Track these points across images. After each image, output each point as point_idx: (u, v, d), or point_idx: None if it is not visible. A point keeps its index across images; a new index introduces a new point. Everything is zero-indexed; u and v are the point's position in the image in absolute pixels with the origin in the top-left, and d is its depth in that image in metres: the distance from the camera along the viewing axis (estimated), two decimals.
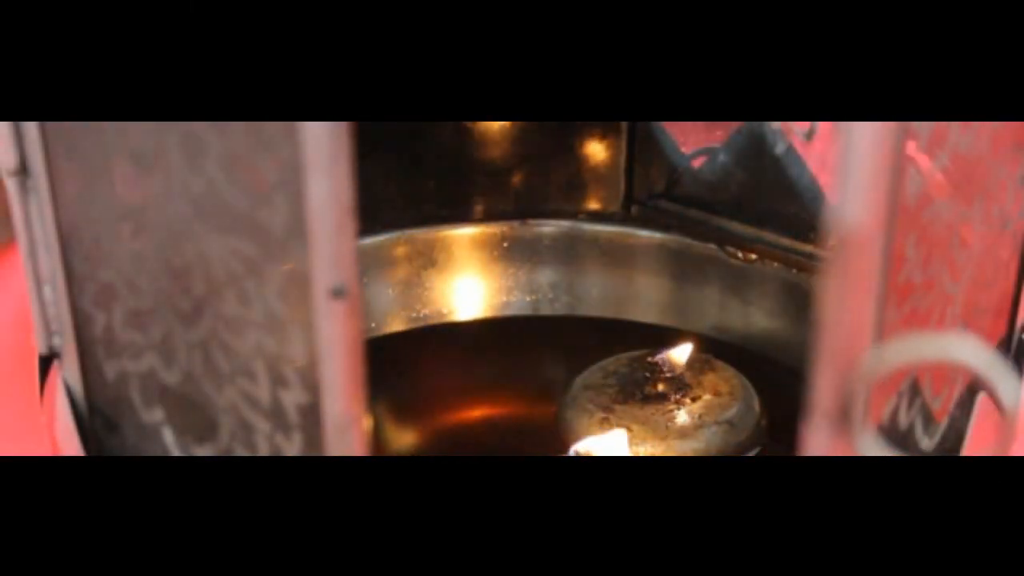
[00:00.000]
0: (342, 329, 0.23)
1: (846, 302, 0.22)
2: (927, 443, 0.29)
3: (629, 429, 0.39)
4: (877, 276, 0.22)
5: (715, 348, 0.44)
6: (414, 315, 0.49)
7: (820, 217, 0.45)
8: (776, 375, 0.45)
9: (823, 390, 0.22)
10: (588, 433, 0.39)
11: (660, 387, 0.41)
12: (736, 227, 0.48)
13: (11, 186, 0.29)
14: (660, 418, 0.39)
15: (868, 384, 0.22)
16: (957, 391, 0.30)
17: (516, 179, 0.50)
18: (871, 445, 0.23)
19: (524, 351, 0.48)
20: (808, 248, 0.46)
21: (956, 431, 0.30)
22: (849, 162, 0.21)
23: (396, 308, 0.49)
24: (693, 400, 0.40)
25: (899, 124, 0.22)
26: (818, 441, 0.23)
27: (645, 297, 0.50)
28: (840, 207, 0.21)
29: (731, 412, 0.40)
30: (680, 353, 0.41)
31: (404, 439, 0.42)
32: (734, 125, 0.47)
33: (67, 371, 0.30)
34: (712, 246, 0.48)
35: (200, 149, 0.24)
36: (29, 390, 0.32)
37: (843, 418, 0.22)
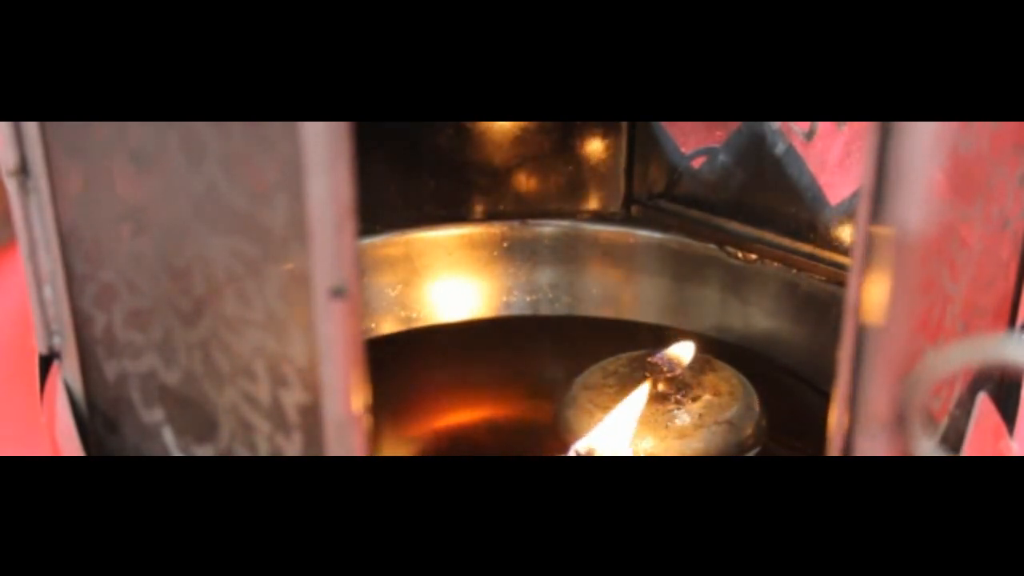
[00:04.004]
0: (342, 329, 0.23)
1: (903, 307, 0.21)
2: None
3: None
4: (938, 280, 0.22)
5: (715, 348, 0.44)
6: (414, 315, 0.49)
7: (820, 217, 0.45)
8: (776, 375, 0.45)
9: (878, 397, 0.22)
10: (588, 433, 0.39)
11: (660, 387, 0.41)
12: (736, 227, 0.48)
13: (11, 186, 0.29)
14: (660, 418, 0.39)
15: (925, 389, 0.22)
16: (957, 391, 0.30)
17: (516, 179, 0.50)
18: (929, 451, 0.23)
19: (524, 351, 0.48)
20: (808, 248, 0.46)
21: (956, 431, 0.30)
22: (906, 164, 0.20)
23: (396, 308, 0.49)
24: (693, 400, 0.40)
25: (958, 124, 0.21)
26: (874, 448, 0.22)
27: (645, 297, 0.50)
28: (895, 211, 0.21)
29: (731, 412, 0.40)
30: (682, 351, 0.41)
31: (404, 439, 0.42)
32: (734, 125, 0.47)
33: (67, 371, 0.30)
34: (712, 246, 0.48)
35: (200, 149, 0.24)
36: (29, 390, 0.32)
37: (900, 425, 0.22)
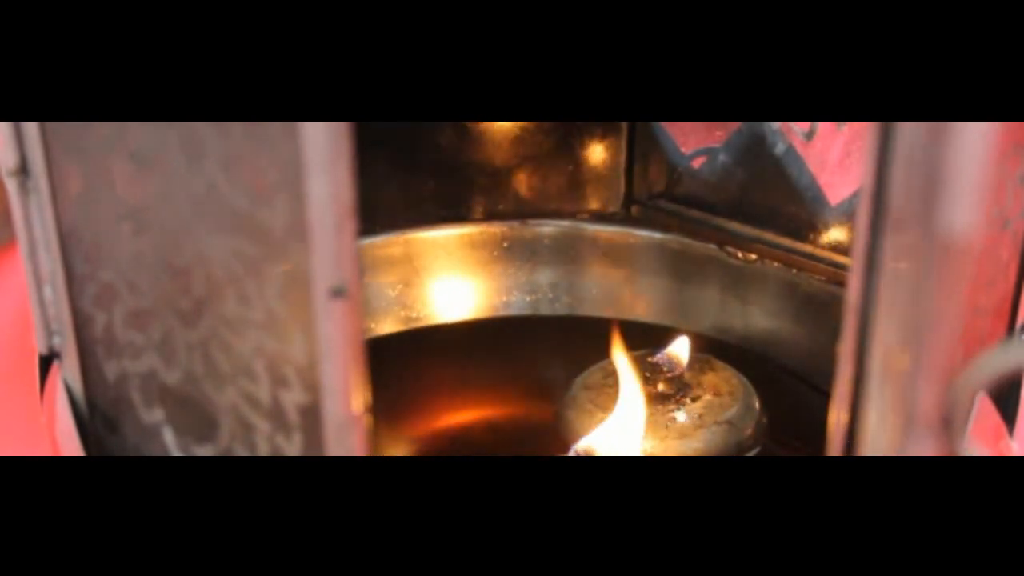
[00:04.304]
0: (342, 329, 0.23)
1: (949, 310, 0.21)
2: None
3: None
4: (984, 283, 0.22)
5: (715, 348, 0.44)
6: (414, 315, 0.49)
7: (820, 217, 0.45)
8: (776, 375, 0.45)
9: (925, 400, 0.22)
10: (588, 433, 0.39)
11: (660, 387, 0.41)
12: (736, 227, 0.48)
13: (11, 186, 0.29)
14: (660, 418, 0.39)
15: (971, 392, 0.22)
16: None
17: (516, 179, 0.50)
18: (975, 452, 0.23)
19: (524, 351, 0.48)
20: (808, 248, 0.46)
21: None
22: (955, 166, 0.20)
23: (396, 308, 0.49)
24: (693, 400, 0.40)
25: (1008, 124, 0.21)
26: (921, 452, 0.22)
27: (645, 297, 0.50)
28: (943, 212, 0.21)
29: (731, 412, 0.40)
30: (679, 348, 0.41)
31: (404, 439, 0.42)
32: (734, 125, 0.47)
33: (67, 371, 0.30)
34: (712, 246, 0.48)
35: (200, 149, 0.24)
36: (29, 390, 0.32)
37: (946, 428, 0.22)
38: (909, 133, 0.21)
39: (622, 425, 0.38)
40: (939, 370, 0.22)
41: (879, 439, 0.24)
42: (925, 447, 0.22)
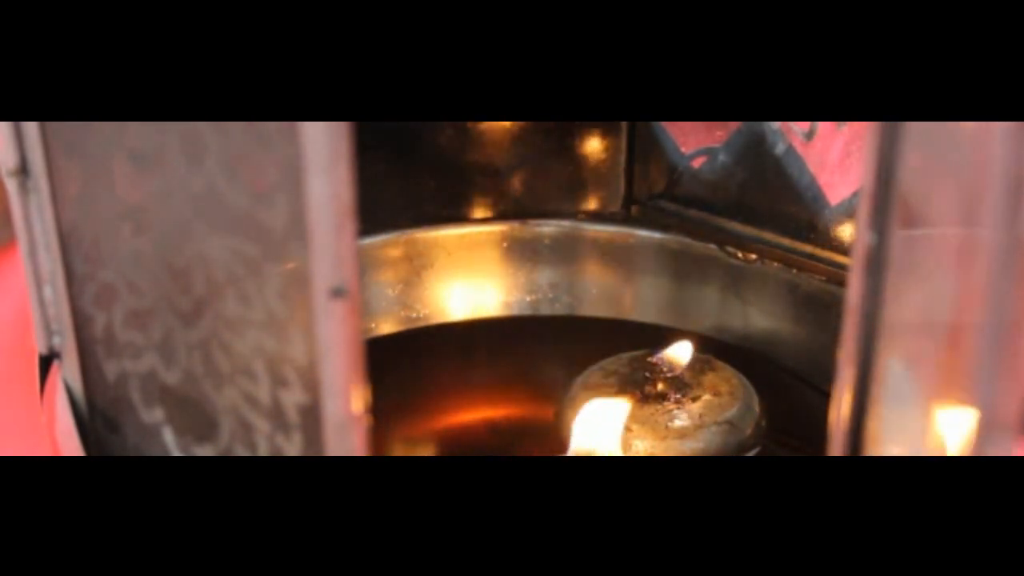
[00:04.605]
0: (342, 329, 0.23)
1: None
2: None
3: (629, 429, 0.39)
4: None
5: (715, 348, 0.44)
6: (414, 315, 0.49)
7: (820, 217, 0.45)
8: (776, 375, 0.45)
9: (1003, 401, 0.22)
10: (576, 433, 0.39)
11: (660, 387, 0.41)
12: (736, 227, 0.48)
13: (11, 186, 0.29)
14: (660, 418, 0.40)
15: None
16: None
17: (516, 179, 0.50)
18: None
19: (524, 351, 0.48)
20: (808, 248, 0.46)
21: None
22: None
23: (396, 308, 0.49)
24: (693, 400, 0.40)
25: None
26: (1000, 452, 0.22)
27: (645, 297, 0.50)
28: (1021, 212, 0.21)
29: (731, 412, 0.40)
30: (679, 351, 0.41)
31: (404, 439, 0.42)
32: (734, 125, 0.47)
33: (67, 371, 0.30)
34: (712, 246, 0.48)
35: (200, 149, 0.24)
36: (29, 390, 0.32)
37: None
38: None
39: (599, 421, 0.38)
40: (1020, 370, 0.22)
41: (915, 439, 0.24)
42: (1004, 448, 0.22)
